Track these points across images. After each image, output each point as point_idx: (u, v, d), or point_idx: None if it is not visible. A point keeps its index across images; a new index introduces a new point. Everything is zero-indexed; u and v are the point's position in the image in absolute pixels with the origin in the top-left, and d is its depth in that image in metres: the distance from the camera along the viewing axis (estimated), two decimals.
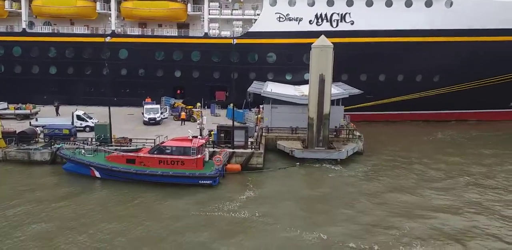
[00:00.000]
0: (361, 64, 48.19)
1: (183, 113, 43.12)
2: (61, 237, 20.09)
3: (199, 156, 27.88)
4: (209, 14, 50.82)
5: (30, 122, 39.02)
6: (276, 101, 37.81)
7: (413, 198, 25.85)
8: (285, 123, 37.05)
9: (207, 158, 29.13)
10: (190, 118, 42.67)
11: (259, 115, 41.19)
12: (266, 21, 48.92)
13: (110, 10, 51.52)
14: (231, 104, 47.26)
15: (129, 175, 27.56)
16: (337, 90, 39.20)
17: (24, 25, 52.28)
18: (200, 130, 32.94)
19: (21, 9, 52.14)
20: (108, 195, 25.90)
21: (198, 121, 33.22)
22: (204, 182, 27.17)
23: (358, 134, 37.18)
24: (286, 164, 32.11)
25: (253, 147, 31.98)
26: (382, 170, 31.50)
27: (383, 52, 47.81)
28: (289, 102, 37.23)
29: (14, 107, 43.62)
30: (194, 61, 50.69)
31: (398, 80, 49.46)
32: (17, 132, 33.64)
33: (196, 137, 29.98)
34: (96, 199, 25.20)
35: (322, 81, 32.76)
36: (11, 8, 52.51)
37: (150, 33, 51.64)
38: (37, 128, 35.34)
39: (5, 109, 42.85)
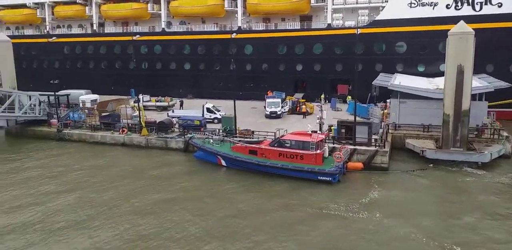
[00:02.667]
0: (510, 54, 41.18)
1: (303, 106, 43.07)
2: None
3: (318, 151, 27.22)
4: (333, 4, 49.34)
5: (167, 113, 43.55)
6: (405, 95, 34.64)
7: None
8: (415, 120, 33.91)
9: (326, 154, 28.25)
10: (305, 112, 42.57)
11: (385, 111, 38.49)
12: (396, 7, 45.31)
13: (237, 7, 53.85)
14: (349, 97, 45.27)
15: (251, 165, 28.57)
16: (479, 83, 34.37)
17: (163, 25, 58.20)
18: (320, 124, 32.14)
19: (161, 10, 58.13)
20: (232, 182, 27.26)
21: (318, 116, 32.47)
22: (323, 178, 26.45)
23: (505, 134, 32.11)
24: (415, 165, 29.28)
25: (377, 144, 29.95)
26: None
27: None
28: (421, 97, 33.78)
29: (155, 100, 49.10)
30: (315, 54, 49.86)
31: None
32: (157, 122, 37.67)
33: (316, 131, 29.30)
34: (219, 184, 26.85)
35: (460, 72, 28.86)
36: (153, 10, 59.05)
37: (273, 28, 52.43)
38: (173, 119, 39.25)
39: (148, 101, 48.50)
